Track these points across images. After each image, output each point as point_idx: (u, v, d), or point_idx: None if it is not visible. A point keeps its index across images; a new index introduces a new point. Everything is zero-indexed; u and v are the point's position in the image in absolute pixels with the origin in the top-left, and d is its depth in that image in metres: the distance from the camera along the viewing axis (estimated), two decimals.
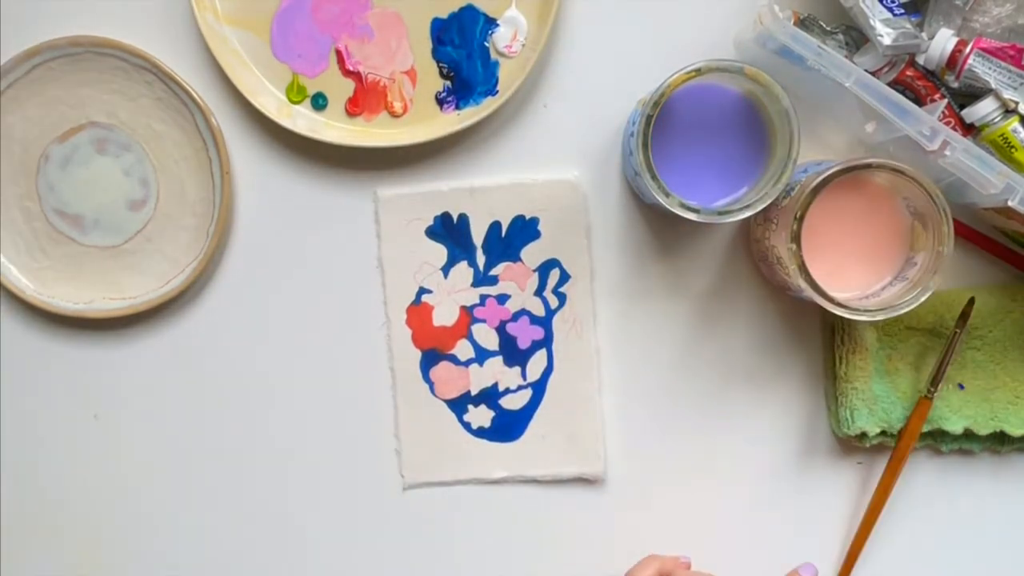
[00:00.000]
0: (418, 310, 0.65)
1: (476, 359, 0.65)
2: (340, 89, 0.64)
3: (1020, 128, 0.57)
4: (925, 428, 0.63)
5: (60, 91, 0.64)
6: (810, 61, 0.55)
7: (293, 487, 0.66)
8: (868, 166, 0.56)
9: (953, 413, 0.63)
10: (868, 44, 0.59)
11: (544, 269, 0.65)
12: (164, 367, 0.66)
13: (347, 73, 0.64)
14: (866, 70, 0.57)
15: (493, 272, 0.65)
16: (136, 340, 0.66)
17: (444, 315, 0.65)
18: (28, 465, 0.67)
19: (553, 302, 0.65)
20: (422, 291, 0.65)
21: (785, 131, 0.56)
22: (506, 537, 0.66)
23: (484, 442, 0.66)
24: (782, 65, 0.58)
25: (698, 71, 0.55)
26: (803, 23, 0.60)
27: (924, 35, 0.58)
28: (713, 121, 0.59)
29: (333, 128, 0.64)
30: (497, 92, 0.64)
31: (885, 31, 0.57)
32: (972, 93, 0.59)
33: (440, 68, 0.64)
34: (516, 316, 0.65)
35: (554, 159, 0.65)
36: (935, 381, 0.62)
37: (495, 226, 0.65)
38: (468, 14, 0.64)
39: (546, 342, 0.65)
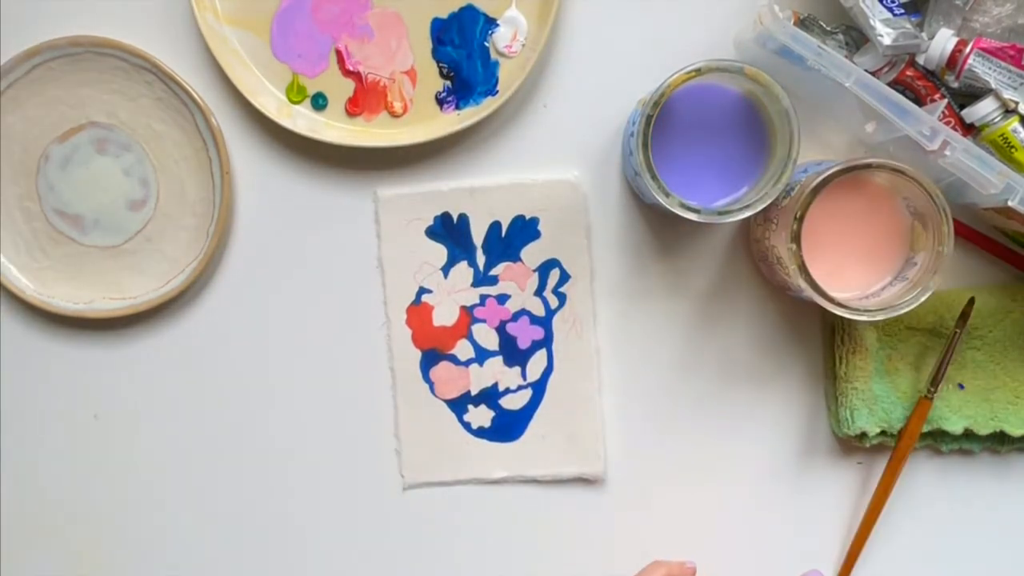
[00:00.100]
0: (418, 310, 0.65)
1: (476, 359, 0.65)
2: (340, 89, 0.64)
3: (1020, 128, 0.57)
4: (925, 428, 0.63)
5: (60, 91, 0.64)
6: (810, 61, 0.55)
7: (293, 487, 0.66)
8: (868, 166, 0.56)
9: (953, 413, 0.63)
10: (868, 44, 0.59)
11: (544, 269, 0.65)
12: (164, 367, 0.66)
13: (347, 73, 0.64)
14: (866, 70, 0.57)
15: (493, 272, 0.65)
16: (136, 340, 0.66)
17: (444, 315, 0.65)
18: (28, 465, 0.67)
19: (553, 302, 0.65)
20: (422, 291, 0.65)
21: (785, 131, 0.56)
22: (506, 537, 0.66)
23: (484, 442, 0.66)
24: (782, 65, 0.58)
25: (698, 71, 0.55)
26: (803, 23, 0.60)
27: (924, 35, 0.58)
28: (713, 121, 0.59)
29: (333, 128, 0.64)
30: (497, 92, 0.64)
31: (885, 31, 0.57)
32: (972, 93, 0.59)
33: (440, 68, 0.64)
34: (516, 316, 0.65)
35: (554, 159, 0.65)
36: (935, 381, 0.62)
37: (495, 226, 0.65)
38: (468, 14, 0.64)
39: (546, 342, 0.65)
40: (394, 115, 0.64)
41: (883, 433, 0.64)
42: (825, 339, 0.65)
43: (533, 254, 0.65)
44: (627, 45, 0.64)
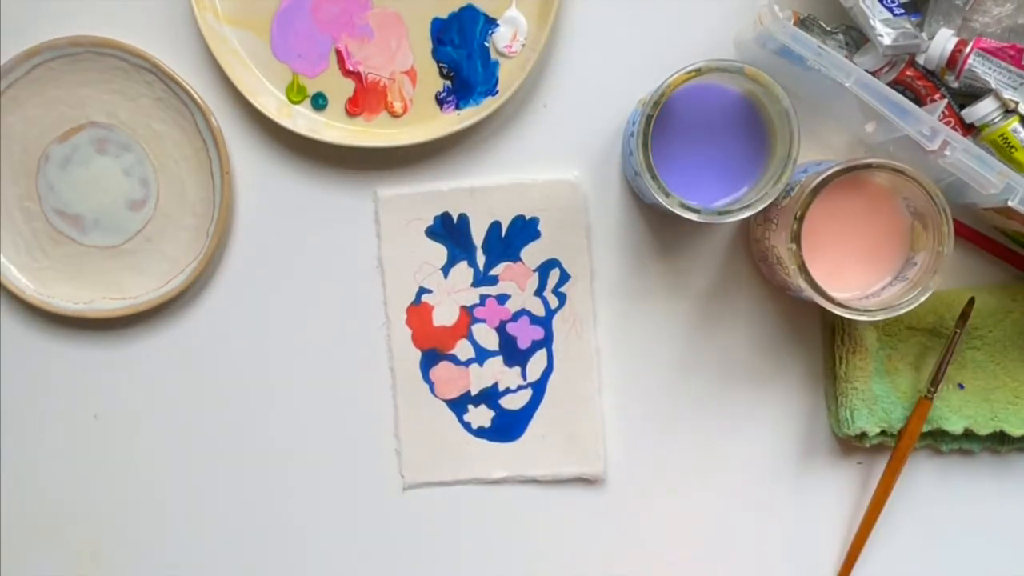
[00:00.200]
0: (418, 310, 0.65)
1: (476, 359, 0.65)
2: (340, 89, 0.64)
3: (1020, 128, 0.57)
4: (925, 428, 0.63)
5: (60, 91, 0.64)
6: (810, 61, 0.55)
7: (293, 487, 0.66)
8: (868, 166, 0.56)
9: (953, 413, 0.63)
10: (868, 44, 0.59)
11: (544, 269, 0.65)
12: (164, 367, 0.66)
13: (347, 73, 0.64)
14: (866, 70, 0.57)
15: (493, 272, 0.65)
16: (136, 340, 0.66)
17: (444, 315, 0.65)
18: (28, 465, 0.67)
19: (553, 302, 0.65)
20: (422, 291, 0.65)
21: (785, 131, 0.56)
22: (506, 537, 0.66)
23: (484, 442, 0.66)
24: (782, 65, 0.58)
25: (698, 71, 0.55)
26: (803, 23, 0.60)
27: (924, 35, 0.58)
28: (713, 121, 0.59)
29: (333, 128, 0.64)
30: (497, 92, 0.64)
31: (885, 31, 0.57)
32: (972, 93, 0.59)
33: (440, 68, 0.64)
34: (516, 316, 0.65)
35: (554, 159, 0.65)
36: (935, 381, 0.62)
37: (495, 226, 0.65)
38: (468, 14, 0.64)
39: (546, 342, 0.65)
40: (394, 115, 0.64)
41: (883, 433, 0.64)
42: (825, 339, 0.65)
43: (533, 254, 0.65)
44: (627, 45, 0.64)
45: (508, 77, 0.63)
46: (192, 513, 0.67)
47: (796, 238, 0.55)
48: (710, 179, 0.59)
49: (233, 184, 0.65)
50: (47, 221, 0.65)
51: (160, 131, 0.65)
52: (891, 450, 0.64)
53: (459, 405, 0.66)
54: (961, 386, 0.63)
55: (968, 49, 0.57)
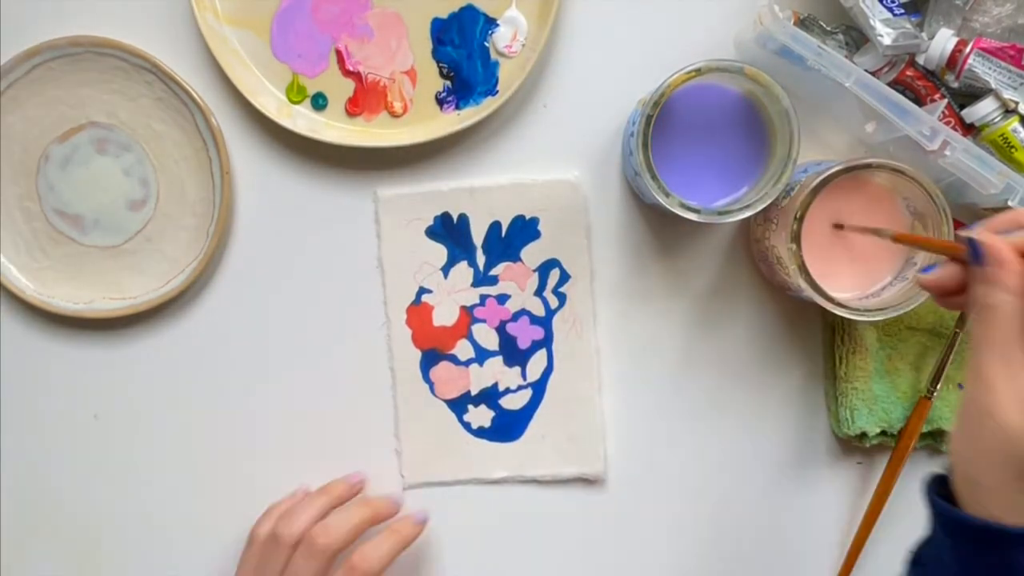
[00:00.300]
0: (418, 310, 0.65)
1: (476, 359, 0.65)
2: (340, 89, 0.64)
3: (1020, 128, 0.57)
4: (925, 428, 0.63)
5: (60, 91, 0.64)
6: (810, 61, 0.55)
7: (294, 487, 0.66)
8: (868, 166, 0.56)
9: (953, 413, 0.63)
10: (868, 44, 0.59)
11: (544, 269, 0.65)
12: (164, 367, 0.66)
13: (347, 73, 0.64)
14: (866, 70, 0.57)
15: (493, 272, 0.65)
16: (136, 340, 0.66)
17: (444, 315, 0.65)
18: (28, 465, 0.67)
19: (553, 302, 0.65)
20: (422, 291, 0.65)
21: (785, 131, 0.56)
22: (506, 537, 0.66)
23: (484, 442, 0.66)
24: (782, 65, 0.58)
25: (698, 71, 0.55)
26: (803, 23, 0.60)
27: (924, 35, 0.58)
28: (713, 121, 0.59)
29: (333, 128, 0.64)
30: (497, 92, 0.63)
31: (885, 31, 0.57)
32: (972, 93, 0.59)
33: (440, 68, 0.64)
34: (516, 316, 0.65)
35: (554, 159, 0.65)
36: (935, 381, 0.62)
37: (495, 226, 0.65)
38: (468, 14, 0.64)
39: (546, 342, 0.65)
40: (394, 115, 0.64)
41: (883, 433, 0.64)
42: (825, 339, 0.65)
43: (533, 254, 0.65)
44: (627, 45, 0.64)
45: (508, 77, 0.63)
46: (192, 513, 0.67)
47: (796, 238, 0.55)
48: (710, 179, 0.59)
49: (233, 184, 0.65)
50: (47, 221, 0.65)
51: (160, 131, 0.65)
52: (891, 450, 0.64)
53: (459, 405, 0.66)
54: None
55: (968, 49, 0.57)
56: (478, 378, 0.65)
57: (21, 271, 0.66)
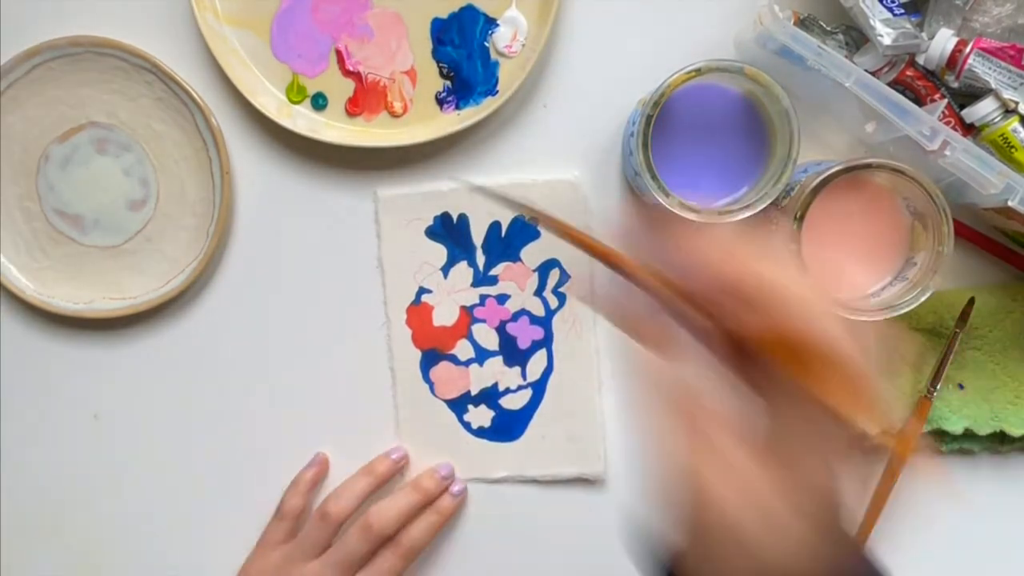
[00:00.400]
0: (418, 310, 0.65)
1: (476, 359, 0.65)
2: (340, 89, 0.64)
3: (1020, 128, 0.57)
4: (925, 428, 0.63)
5: (60, 91, 0.64)
6: (810, 61, 0.55)
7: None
8: (868, 166, 0.56)
9: (953, 413, 0.63)
10: (868, 44, 0.59)
11: (544, 269, 0.65)
12: (164, 367, 0.66)
13: (347, 73, 0.64)
14: (866, 70, 0.57)
15: (493, 272, 0.65)
16: (136, 340, 0.66)
17: (444, 315, 0.65)
18: (28, 465, 0.67)
19: (553, 302, 0.65)
20: (422, 291, 0.65)
21: (785, 131, 0.56)
22: (506, 537, 0.66)
23: (484, 442, 0.66)
24: (782, 65, 0.58)
25: (698, 71, 0.55)
26: (803, 23, 0.60)
27: (924, 35, 0.58)
28: (713, 121, 0.59)
29: (333, 128, 0.64)
30: (497, 92, 0.63)
31: (885, 31, 0.57)
32: (972, 93, 0.59)
33: (440, 68, 0.64)
34: (516, 316, 0.65)
35: (554, 159, 0.65)
36: (935, 381, 0.62)
37: (495, 226, 0.65)
38: (468, 14, 0.64)
39: (546, 342, 0.65)
40: (394, 115, 0.64)
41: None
42: None
43: (533, 254, 0.65)
44: (627, 45, 0.64)
45: (508, 77, 0.63)
46: (192, 513, 0.67)
47: (796, 238, 0.55)
48: (710, 179, 0.59)
49: (233, 184, 0.65)
50: (47, 221, 0.65)
51: (160, 131, 0.65)
52: (891, 450, 0.64)
53: (459, 405, 0.66)
54: (961, 386, 0.63)
55: (968, 49, 0.57)
56: (478, 378, 0.65)
57: (21, 271, 0.66)
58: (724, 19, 0.63)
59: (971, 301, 0.62)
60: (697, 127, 0.59)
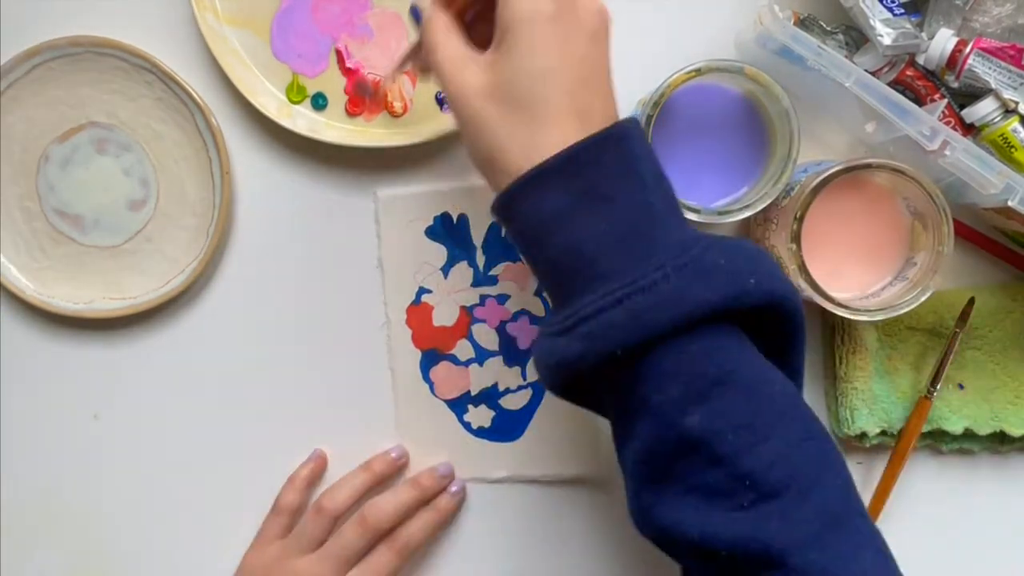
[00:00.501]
0: (418, 310, 0.65)
1: (476, 359, 0.65)
2: (340, 89, 0.64)
3: (1020, 128, 0.57)
4: (925, 428, 0.63)
5: (60, 91, 0.64)
6: (810, 61, 0.55)
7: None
8: (868, 166, 0.56)
9: (953, 413, 0.63)
10: (868, 44, 0.59)
11: None
12: (164, 367, 0.66)
13: (347, 73, 0.64)
14: (866, 70, 0.57)
15: (493, 272, 0.65)
16: (136, 340, 0.66)
17: (444, 315, 0.65)
18: (28, 465, 0.67)
19: None
20: (422, 291, 0.65)
21: (785, 131, 0.56)
22: (506, 537, 0.66)
23: (484, 442, 0.66)
24: (782, 65, 0.58)
25: (698, 71, 0.55)
26: (803, 23, 0.60)
27: (924, 35, 0.58)
28: (713, 121, 0.59)
29: (333, 128, 0.64)
30: None
31: (885, 31, 0.57)
32: (972, 93, 0.59)
33: None
34: (516, 316, 0.65)
35: None
36: (935, 381, 0.62)
37: (495, 226, 0.65)
38: None
39: None
40: (394, 115, 0.64)
41: (883, 433, 0.64)
42: (825, 339, 0.65)
43: None
44: (627, 45, 0.64)
45: None
46: (193, 512, 0.67)
47: (796, 238, 0.55)
48: (710, 179, 0.59)
49: (233, 184, 0.65)
50: (47, 221, 0.65)
51: (160, 131, 0.65)
52: (891, 450, 0.64)
53: (459, 405, 0.66)
54: (961, 386, 0.63)
55: (968, 49, 0.57)
56: (478, 378, 0.65)
57: (21, 271, 0.66)
58: (724, 19, 0.63)
59: (971, 301, 0.62)
60: (697, 127, 0.59)
